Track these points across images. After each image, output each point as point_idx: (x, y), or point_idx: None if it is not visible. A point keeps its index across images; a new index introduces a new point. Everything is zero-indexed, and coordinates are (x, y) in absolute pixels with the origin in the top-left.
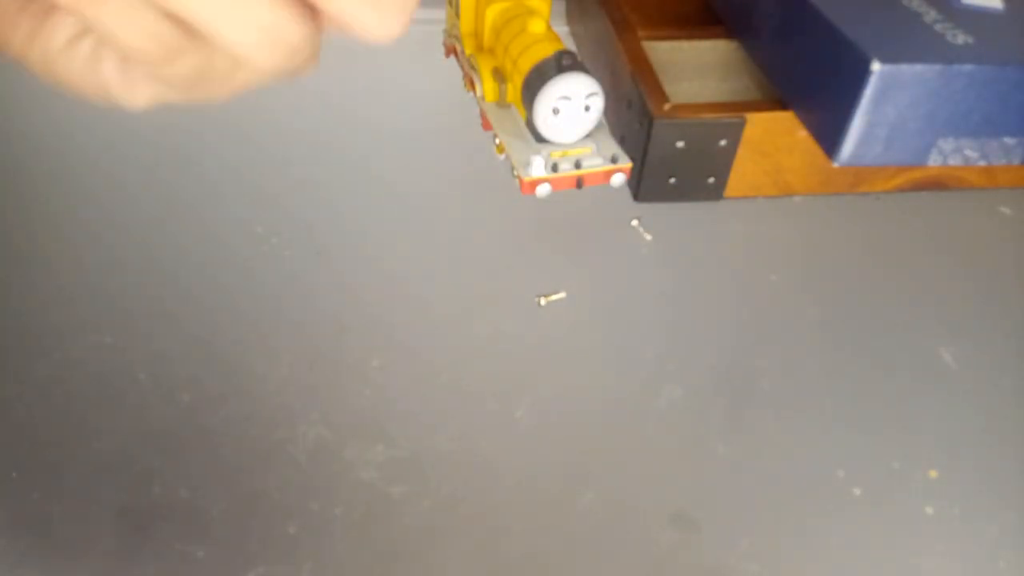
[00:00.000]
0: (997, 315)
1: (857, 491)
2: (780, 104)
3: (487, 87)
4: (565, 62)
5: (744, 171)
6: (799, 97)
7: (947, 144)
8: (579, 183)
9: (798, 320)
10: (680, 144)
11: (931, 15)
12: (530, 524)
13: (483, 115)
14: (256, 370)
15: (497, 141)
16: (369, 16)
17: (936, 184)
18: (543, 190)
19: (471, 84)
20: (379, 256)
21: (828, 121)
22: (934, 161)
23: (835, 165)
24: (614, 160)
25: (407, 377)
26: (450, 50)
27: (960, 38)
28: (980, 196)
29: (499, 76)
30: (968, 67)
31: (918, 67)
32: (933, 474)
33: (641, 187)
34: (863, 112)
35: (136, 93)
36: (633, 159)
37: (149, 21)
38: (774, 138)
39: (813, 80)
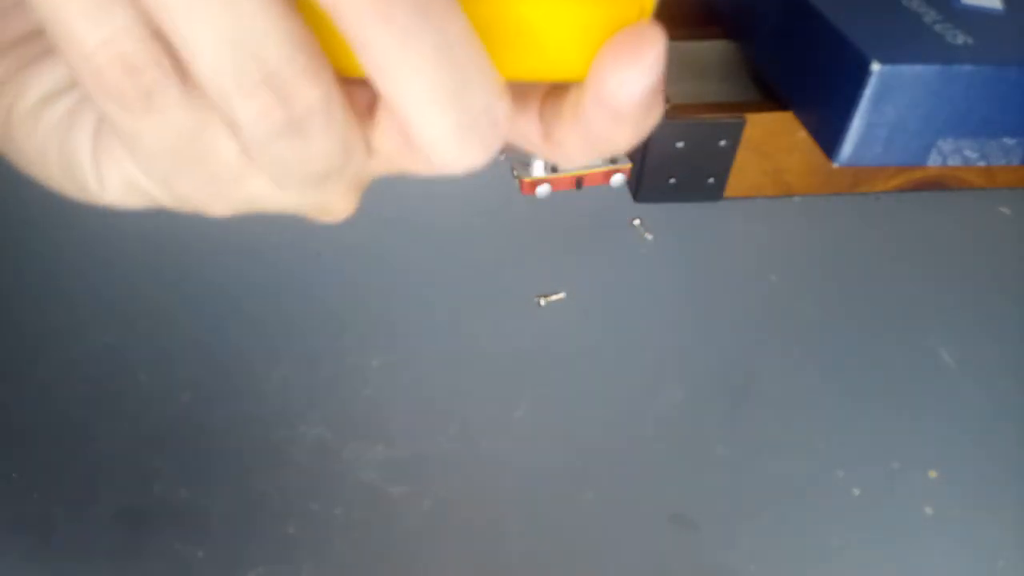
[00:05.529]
0: (997, 315)
1: (857, 491)
2: (780, 104)
3: None
4: None
5: (744, 171)
6: (799, 97)
7: (947, 144)
8: (578, 183)
9: (798, 320)
10: (680, 144)
11: (931, 15)
12: (530, 524)
13: None
14: (256, 370)
15: None
16: (453, 150)
17: (936, 184)
18: (543, 190)
19: None
20: (379, 256)
21: (828, 121)
22: (934, 161)
23: (835, 165)
24: (613, 161)
25: (407, 377)
26: None
27: (960, 38)
28: (980, 196)
29: None
30: (968, 67)
31: (918, 67)
32: (933, 474)
33: (641, 187)
34: (863, 112)
35: (107, 175)
36: (633, 160)
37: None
38: (774, 138)
39: (813, 80)
